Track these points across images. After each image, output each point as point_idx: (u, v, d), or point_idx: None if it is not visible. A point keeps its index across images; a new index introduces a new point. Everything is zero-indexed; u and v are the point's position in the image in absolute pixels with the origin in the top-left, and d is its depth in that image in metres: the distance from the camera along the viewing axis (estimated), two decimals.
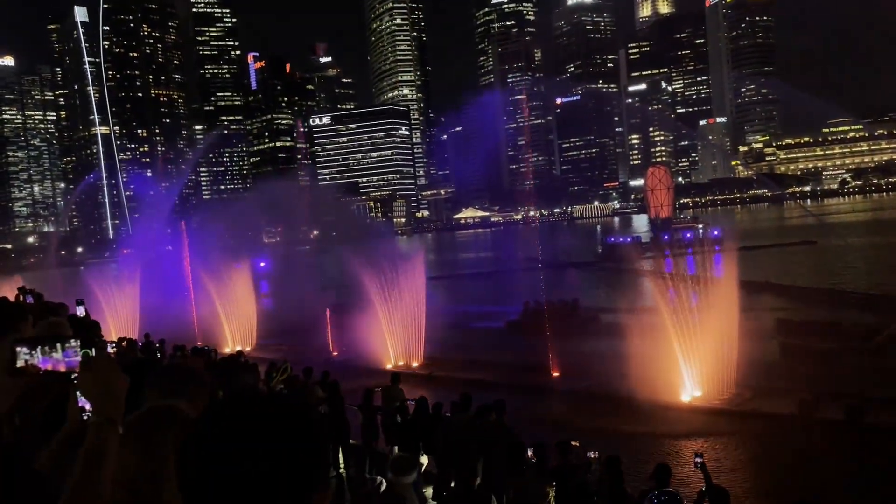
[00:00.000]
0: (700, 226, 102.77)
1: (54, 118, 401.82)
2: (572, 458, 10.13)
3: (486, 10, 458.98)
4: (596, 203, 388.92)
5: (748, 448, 19.38)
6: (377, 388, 16.25)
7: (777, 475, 17.29)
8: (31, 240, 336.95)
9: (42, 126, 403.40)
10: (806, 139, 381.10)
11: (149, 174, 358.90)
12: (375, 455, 15.38)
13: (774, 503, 16.06)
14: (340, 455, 15.46)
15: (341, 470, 15.37)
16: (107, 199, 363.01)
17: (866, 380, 22.55)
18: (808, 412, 20.05)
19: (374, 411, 15.12)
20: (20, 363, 2.54)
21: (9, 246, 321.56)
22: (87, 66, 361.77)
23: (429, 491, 13.74)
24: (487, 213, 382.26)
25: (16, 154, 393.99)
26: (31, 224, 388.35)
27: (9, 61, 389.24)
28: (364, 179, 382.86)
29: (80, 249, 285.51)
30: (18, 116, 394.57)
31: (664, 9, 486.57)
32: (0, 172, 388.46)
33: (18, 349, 2.55)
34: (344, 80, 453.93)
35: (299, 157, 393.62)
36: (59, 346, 2.54)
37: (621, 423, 20.90)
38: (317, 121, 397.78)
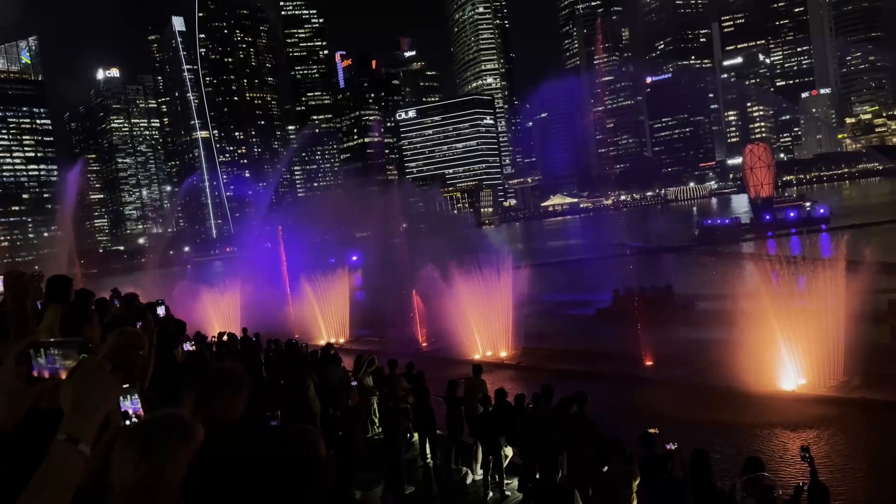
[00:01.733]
0: (807, 204, 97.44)
1: (158, 125, 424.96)
2: (656, 450, 9.76)
3: None
4: (691, 184, 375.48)
5: (858, 439, 18.18)
6: (461, 380, 16.24)
7: (891, 468, 16.14)
8: (141, 241, 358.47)
9: (147, 133, 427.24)
10: None
11: (247, 174, 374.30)
12: (461, 446, 15.41)
13: (889, 497, 15.00)
14: (427, 446, 15.58)
15: (429, 460, 15.49)
16: (209, 200, 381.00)
17: None
18: None
19: (458, 403, 15.13)
20: (36, 372, 2.46)
21: (122, 248, 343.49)
22: (185, 73, 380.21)
23: (514, 483, 13.65)
24: (576, 200, 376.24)
25: (124, 160, 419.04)
26: (141, 226, 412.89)
27: (115, 73, 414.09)
28: (450, 171, 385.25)
29: (186, 249, 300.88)
30: (125, 125, 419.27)
31: None
32: (111, 178, 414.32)
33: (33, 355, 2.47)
34: (428, 73, 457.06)
35: (387, 151, 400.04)
36: (42, 351, 2.44)
37: (719, 414, 20.05)
38: (403, 115, 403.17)
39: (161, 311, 6.52)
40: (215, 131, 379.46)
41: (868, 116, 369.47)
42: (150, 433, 2.37)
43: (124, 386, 2.57)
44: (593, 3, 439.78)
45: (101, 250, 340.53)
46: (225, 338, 23.36)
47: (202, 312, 44.53)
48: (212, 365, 4.23)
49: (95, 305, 6.36)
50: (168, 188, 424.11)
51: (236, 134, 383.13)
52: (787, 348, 22.22)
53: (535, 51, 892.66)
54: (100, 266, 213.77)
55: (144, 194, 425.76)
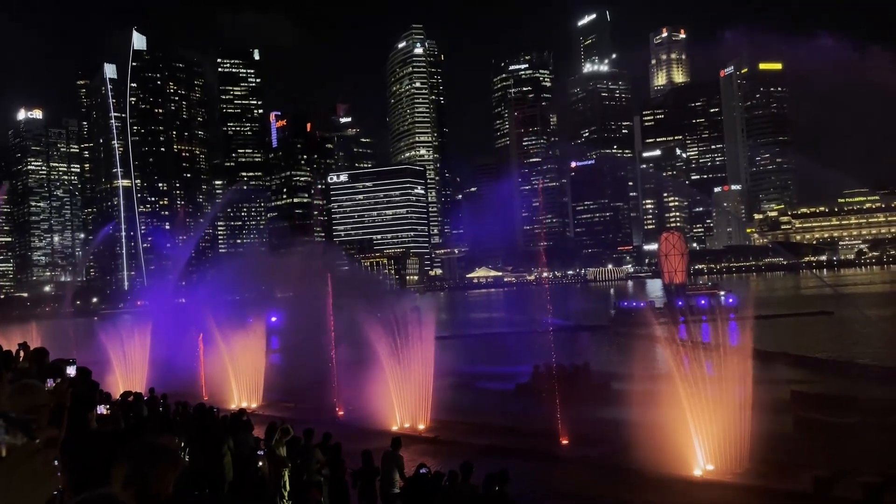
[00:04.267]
0: (722, 293, 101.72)
1: (78, 170, 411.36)
2: None
3: (504, 75, 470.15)
4: (610, 266, 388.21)
5: None
6: (378, 452, 15.90)
7: None
8: (47, 289, 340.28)
9: (66, 178, 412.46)
10: (822, 209, 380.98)
11: (167, 227, 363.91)
12: None
13: None
14: None
15: None
16: (124, 251, 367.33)
17: (885, 457, 21.83)
18: (824, 490, 19.35)
19: (373, 475, 14.75)
20: None
21: (25, 294, 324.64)
22: (112, 120, 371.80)
23: None
24: (500, 273, 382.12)
25: (38, 204, 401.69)
26: (48, 273, 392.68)
27: (37, 114, 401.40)
28: (379, 236, 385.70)
29: (94, 300, 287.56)
30: (43, 167, 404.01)
31: (679, 78, 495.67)
32: (21, 221, 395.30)
33: None
34: (363, 140, 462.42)
35: (315, 213, 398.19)
36: None
37: (631, 495, 20.26)
38: (335, 178, 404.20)
39: (72, 370, 6.17)
40: (138, 180, 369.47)
41: (774, 214, 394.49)
42: None
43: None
44: (524, 89, 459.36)
45: (1, 296, 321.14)
46: (130, 398, 22.23)
47: (104, 368, 42.21)
48: (145, 439, 4.06)
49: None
50: (82, 235, 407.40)
51: (160, 185, 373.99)
52: (697, 433, 22.83)
53: (468, 128, 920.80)
54: None
55: (56, 240, 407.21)
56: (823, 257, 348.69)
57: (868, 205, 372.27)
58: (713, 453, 22.57)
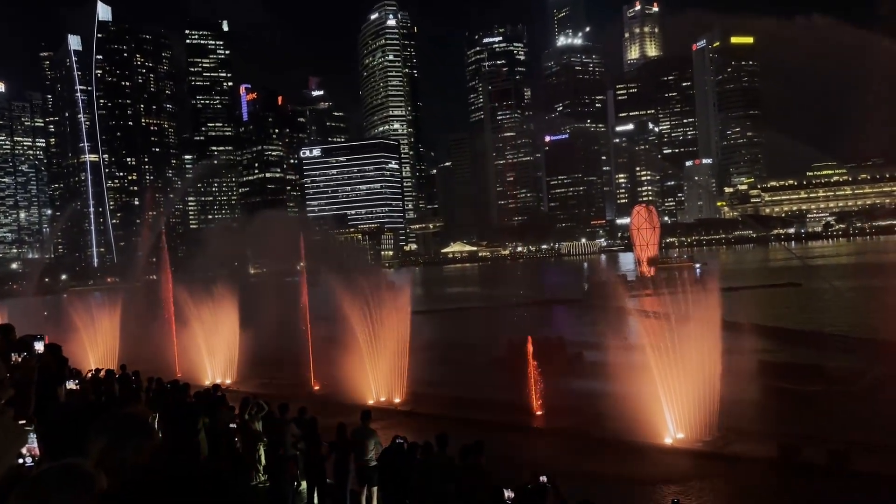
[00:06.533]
0: (698, 266, 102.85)
1: (43, 145, 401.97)
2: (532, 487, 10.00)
3: (478, 48, 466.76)
4: (583, 240, 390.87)
5: (728, 493, 19.15)
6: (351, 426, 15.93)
7: None
8: (14, 266, 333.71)
9: (31, 152, 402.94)
10: (790, 182, 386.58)
11: (136, 202, 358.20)
12: (351, 495, 15.04)
13: None
14: (315, 496, 15.12)
15: None
16: (93, 227, 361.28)
17: (849, 424, 22.45)
18: (790, 457, 19.87)
19: (348, 448, 14.77)
20: None
21: None
22: (78, 94, 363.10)
23: None
24: (475, 248, 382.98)
25: (3, 179, 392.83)
26: (15, 250, 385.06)
27: None
28: (353, 212, 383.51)
29: (63, 277, 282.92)
30: (7, 142, 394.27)
31: (652, 52, 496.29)
32: None
33: None
34: (335, 114, 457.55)
35: (288, 188, 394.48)
36: None
37: (603, 465, 20.63)
38: (307, 153, 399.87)
39: (40, 346, 6.05)
40: (105, 156, 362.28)
41: (744, 187, 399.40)
42: (48, 488, 2.22)
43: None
44: (498, 62, 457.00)
45: None
46: (102, 374, 22.00)
47: (76, 346, 41.68)
48: (121, 410, 4.06)
49: None
50: (49, 211, 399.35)
51: (128, 160, 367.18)
52: (668, 402, 23.27)
53: (443, 102, 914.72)
54: None
55: (22, 217, 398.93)
56: (792, 230, 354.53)
57: (836, 178, 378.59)
58: (683, 422, 23.04)
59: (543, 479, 10.24)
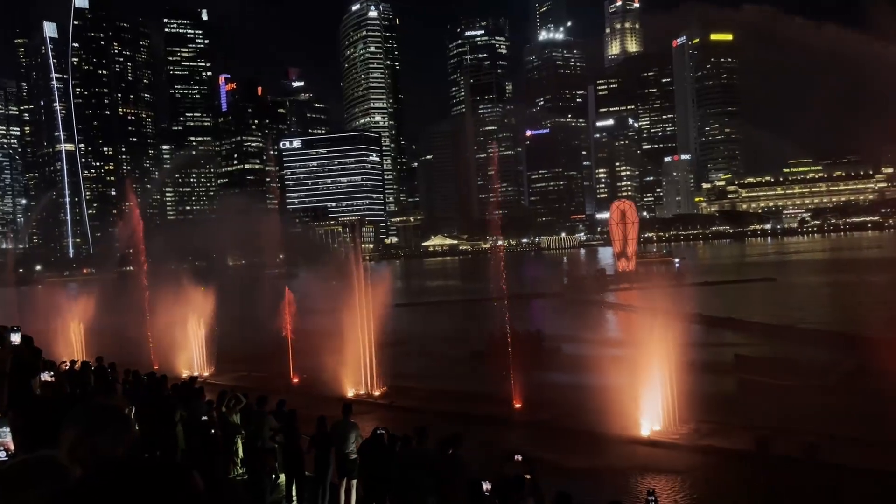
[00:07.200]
0: (676, 260, 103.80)
1: (18, 133, 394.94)
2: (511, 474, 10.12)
3: (460, 41, 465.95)
4: (563, 234, 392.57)
5: (704, 484, 19.41)
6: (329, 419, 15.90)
7: None
8: None
9: (4, 141, 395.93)
10: (767, 178, 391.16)
11: (113, 193, 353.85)
12: (330, 488, 15.02)
13: None
14: (294, 488, 15.09)
15: (294, 503, 15.00)
16: (68, 218, 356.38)
17: (822, 417, 22.86)
18: (765, 449, 20.18)
19: (328, 441, 14.76)
20: None
21: None
22: (54, 82, 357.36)
23: None
24: (456, 242, 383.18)
25: None
26: None
27: None
28: (333, 204, 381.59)
29: (38, 268, 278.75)
30: None
31: (632, 47, 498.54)
32: None
33: None
34: (316, 105, 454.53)
35: (268, 180, 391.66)
36: None
37: (580, 457, 20.80)
38: (287, 144, 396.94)
39: (16, 337, 5.96)
40: (81, 145, 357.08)
41: (722, 183, 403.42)
42: (17, 480, 2.18)
43: None
44: (480, 56, 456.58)
45: None
46: (77, 366, 21.77)
47: (50, 337, 41.14)
48: (96, 400, 4.04)
49: None
50: (24, 201, 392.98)
51: (105, 149, 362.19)
52: (644, 395, 23.50)
53: (424, 95, 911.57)
54: None
55: None
56: (768, 226, 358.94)
57: (811, 175, 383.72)
58: (660, 414, 23.29)
59: (518, 457, 10.40)
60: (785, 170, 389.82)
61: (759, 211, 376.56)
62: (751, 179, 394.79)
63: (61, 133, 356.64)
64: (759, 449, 20.23)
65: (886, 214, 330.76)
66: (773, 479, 18.79)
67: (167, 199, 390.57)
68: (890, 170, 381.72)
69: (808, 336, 42.31)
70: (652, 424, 23.24)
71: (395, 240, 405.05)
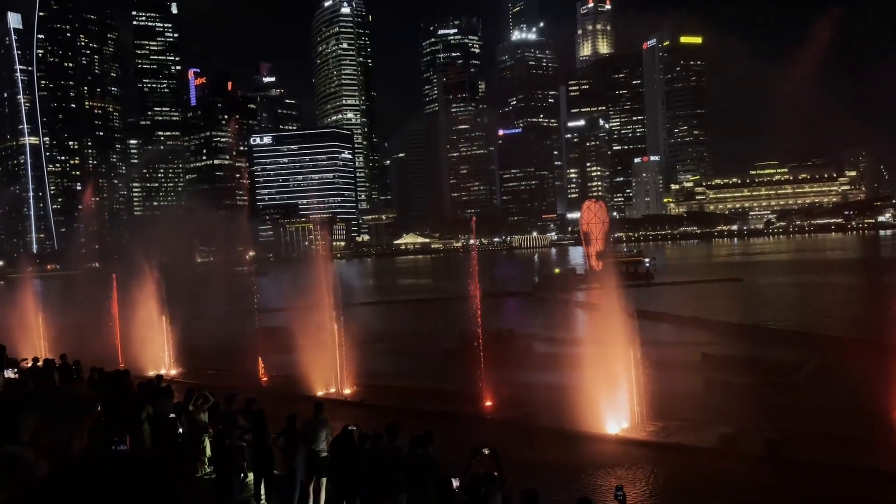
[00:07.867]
0: (647, 260, 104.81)
1: None
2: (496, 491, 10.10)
3: (433, 40, 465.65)
4: (534, 234, 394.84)
5: (670, 481, 19.68)
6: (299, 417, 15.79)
7: None
8: None
9: None
10: (734, 180, 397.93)
11: (78, 187, 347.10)
12: (300, 486, 14.92)
13: None
14: (263, 487, 14.96)
15: (263, 502, 14.87)
16: (32, 213, 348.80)
17: (787, 415, 23.30)
18: (730, 446, 20.53)
19: (297, 439, 14.66)
20: None
21: None
22: (18, 73, 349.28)
23: None
24: (428, 240, 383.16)
25: None
26: None
27: None
28: (304, 201, 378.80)
29: (0, 263, 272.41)
30: None
31: (604, 49, 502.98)
32: None
33: None
34: (287, 101, 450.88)
35: (237, 175, 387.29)
36: None
37: (550, 454, 20.95)
38: (257, 140, 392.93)
39: None
40: (46, 138, 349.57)
41: (690, 184, 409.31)
42: None
43: None
44: (453, 55, 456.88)
45: None
46: (40, 363, 21.34)
47: (12, 335, 40.24)
48: (57, 388, 4.02)
49: None
50: None
51: (70, 143, 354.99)
52: (613, 393, 23.76)
53: (397, 92, 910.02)
54: None
55: None
56: (735, 227, 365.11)
57: (777, 177, 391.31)
58: (628, 412, 23.56)
59: (486, 451, 10.48)
60: (752, 172, 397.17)
61: (727, 212, 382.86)
62: (718, 181, 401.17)
63: (25, 126, 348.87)
64: (725, 446, 20.58)
65: (849, 216, 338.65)
66: (738, 475, 19.12)
67: (134, 194, 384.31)
68: (853, 173, 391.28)
69: (773, 335, 43.14)
70: (620, 422, 23.50)
71: (366, 238, 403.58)
